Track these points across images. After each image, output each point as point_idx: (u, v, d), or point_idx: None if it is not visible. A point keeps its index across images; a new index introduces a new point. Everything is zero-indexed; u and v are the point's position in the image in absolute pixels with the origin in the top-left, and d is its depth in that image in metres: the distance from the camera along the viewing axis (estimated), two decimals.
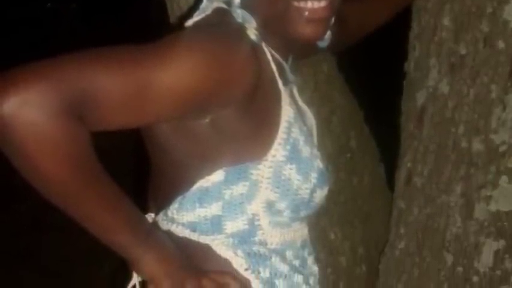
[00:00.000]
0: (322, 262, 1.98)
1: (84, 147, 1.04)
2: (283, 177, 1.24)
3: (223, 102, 1.17)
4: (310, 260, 1.38)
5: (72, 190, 1.05)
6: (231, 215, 1.24)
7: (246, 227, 1.25)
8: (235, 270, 1.25)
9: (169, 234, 1.25)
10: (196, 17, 1.25)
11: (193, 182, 1.23)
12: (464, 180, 1.87)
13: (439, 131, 1.92)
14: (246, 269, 1.25)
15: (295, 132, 1.26)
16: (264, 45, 1.26)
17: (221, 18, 1.24)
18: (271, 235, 1.27)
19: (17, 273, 3.65)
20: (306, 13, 1.22)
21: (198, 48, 1.13)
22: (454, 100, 1.88)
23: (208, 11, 1.25)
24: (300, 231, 1.35)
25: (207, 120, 1.20)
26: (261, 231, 1.26)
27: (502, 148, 1.82)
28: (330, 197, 1.38)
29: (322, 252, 2.02)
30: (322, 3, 1.22)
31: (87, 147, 1.05)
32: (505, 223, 1.83)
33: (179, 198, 1.25)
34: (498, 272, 1.85)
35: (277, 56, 1.29)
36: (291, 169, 1.24)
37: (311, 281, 1.37)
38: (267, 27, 1.25)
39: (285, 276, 1.29)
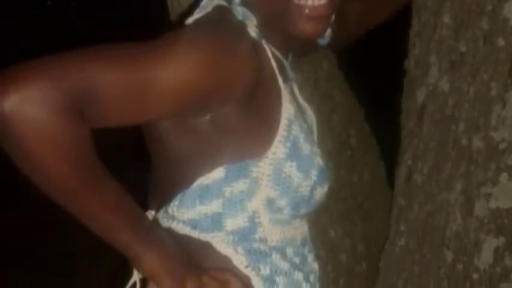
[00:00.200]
0: (323, 259, 1.98)
1: (84, 144, 1.04)
2: (283, 175, 1.24)
3: (223, 99, 1.17)
4: (310, 258, 1.39)
5: (73, 187, 1.05)
6: (231, 212, 1.24)
7: (246, 224, 1.25)
8: (236, 268, 1.25)
9: (169, 231, 1.25)
10: (197, 15, 1.26)
11: (193, 180, 1.24)
12: (464, 178, 1.87)
13: (439, 128, 1.92)
14: (246, 266, 1.25)
15: (296, 130, 1.26)
16: (264, 42, 1.26)
17: (221, 15, 1.24)
18: (272, 232, 1.27)
19: (17, 271, 3.65)
20: (306, 10, 1.22)
21: (199, 45, 1.13)
22: (454, 98, 1.88)
23: (209, 9, 1.25)
24: (300, 229, 1.35)
25: (207, 117, 1.20)
26: (261, 229, 1.26)
27: (502, 145, 1.82)
28: (330, 195, 1.38)
29: (323, 250, 2.02)
30: (323, 1, 1.22)
31: (87, 144, 1.05)
32: (505, 220, 1.83)
33: (179, 196, 1.25)
34: (498, 269, 1.85)
35: (277, 53, 1.29)
36: (291, 166, 1.24)
37: (311, 278, 1.37)
38: (267, 25, 1.25)
39: (285, 273, 1.30)
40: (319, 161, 1.30)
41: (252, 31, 1.23)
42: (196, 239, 1.25)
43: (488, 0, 1.81)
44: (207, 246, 1.25)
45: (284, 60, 1.32)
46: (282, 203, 1.25)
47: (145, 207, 1.31)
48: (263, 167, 1.23)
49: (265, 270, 1.27)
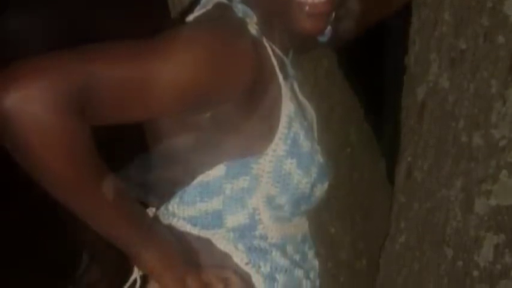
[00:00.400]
0: (323, 256, 1.98)
1: (84, 141, 1.04)
2: (283, 172, 1.24)
3: (223, 96, 1.17)
4: (310, 255, 1.39)
5: (73, 184, 1.05)
6: (232, 209, 1.24)
7: (247, 221, 1.25)
8: (236, 265, 1.25)
9: (170, 228, 1.25)
10: (197, 12, 1.26)
11: (193, 177, 1.24)
12: (464, 175, 1.87)
13: (439, 125, 1.92)
14: (247, 263, 1.26)
15: (296, 127, 1.26)
16: (264, 39, 1.26)
17: (222, 13, 1.24)
18: (272, 229, 1.27)
19: (17, 271, 3.65)
20: (307, 8, 1.22)
21: (199, 43, 1.13)
22: (454, 95, 1.88)
23: (209, 6, 1.25)
24: (301, 226, 1.35)
25: (207, 115, 1.20)
26: (261, 226, 1.26)
27: (502, 143, 1.82)
28: (330, 192, 1.38)
29: (323, 247, 2.02)
30: None
31: (87, 142, 1.05)
32: (505, 217, 1.83)
33: (180, 193, 1.25)
34: (498, 266, 1.85)
35: (277, 50, 1.29)
36: (291, 164, 1.25)
37: (311, 276, 1.38)
38: (267, 22, 1.26)
39: (286, 270, 1.30)
40: (319, 158, 1.30)
41: (252, 28, 1.23)
42: (196, 236, 1.26)
43: None
44: (207, 243, 1.25)
45: (284, 58, 1.32)
46: (282, 200, 1.25)
47: (146, 205, 1.31)
48: (263, 164, 1.23)
49: (266, 268, 1.27)
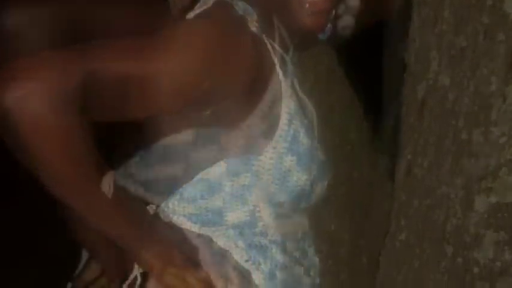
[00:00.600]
0: (323, 253, 1.98)
1: (84, 138, 1.04)
2: (283, 169, 1.24)
3: (223, 93, 1.17)
4: (310, 252, 1.39)
5: (72, 180, 1.05)
6: (232, 206, 1.24)
7: (247, 218, 1.25)
8: (236, 262, 1.25)
9: (170, 225, 1.25)
10: (198, 9, 1.26)
11: (194, 174, 1.24)
12: (464, 172, 1.87)
13: (439, 123, 1.92)
14: (247, 261, 1.26)
15: (296, 124, 1.26)
16: (264, 37, 1.26)
17: (222, 10, 1.24)
18: (272, 226, 1.27)
19: (17, 271, 3.65)
20: (307, 5, 1.23)
21: (199, 40, 1.14)
22: (455, 92, 1.88)
23: (210, 4, 1.25)
24: (301, 223, 1.35)
25: (207, 112, 1.20)
26: (261, 223, 1.26)
27: (502, 140, 1.82)
28: (330, 189, 1.38)
29: (323, 244, 2.02)
30: None
31: (87, 139, 1.05)
32: (505, 214, 1.84)
33: (180, 190, 1.25)
34: (498, 264, 1.85)
35: (277, 48, 1.29)
36: (291, 161, 1.25)
37: (312, 273, 1.38)
38: (267, 19, 1.26)
39: (286, 267, 1.30)
40: (319, 155, 1.30)
41: (253, 26, 1.23)
42: (196, 233, 1.26)
43: None
44: (207, 240, 1.25)
45: (285, 55, 1.32)
46: (282, 197, 1.26)
47: (146, 202, 1.31)
48: (264, 161, 1.23)
49: (266, 265, 1.27)
